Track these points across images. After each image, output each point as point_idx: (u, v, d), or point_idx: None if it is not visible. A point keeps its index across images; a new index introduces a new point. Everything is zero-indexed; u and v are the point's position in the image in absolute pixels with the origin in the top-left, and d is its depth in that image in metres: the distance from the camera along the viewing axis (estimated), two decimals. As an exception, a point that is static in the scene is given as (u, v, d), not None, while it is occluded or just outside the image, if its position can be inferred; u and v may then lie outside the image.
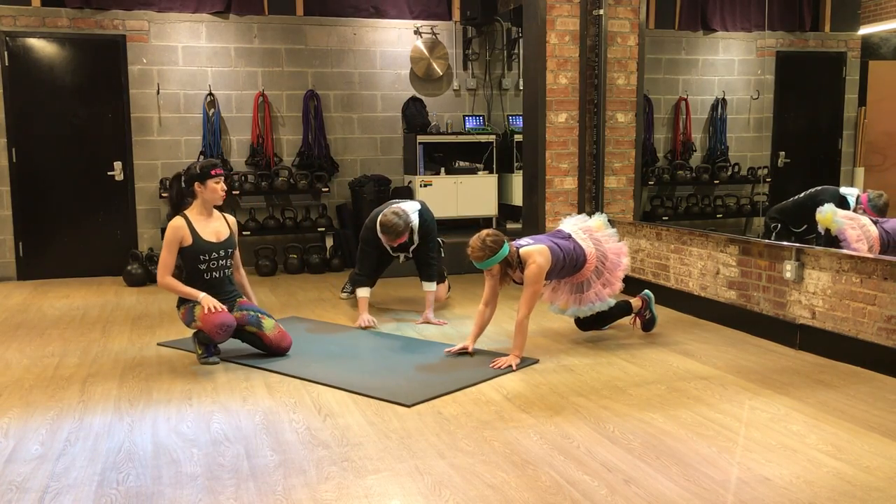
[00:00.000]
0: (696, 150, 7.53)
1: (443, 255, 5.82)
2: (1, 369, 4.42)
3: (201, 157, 7.72)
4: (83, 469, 3.02)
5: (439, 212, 7.95)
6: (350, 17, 8.11)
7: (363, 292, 5.46)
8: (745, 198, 7.34)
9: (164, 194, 7.52)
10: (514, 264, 4.31)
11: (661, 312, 5.66)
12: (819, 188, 5.38)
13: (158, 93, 7.66)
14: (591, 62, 6.44)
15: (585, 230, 4.68)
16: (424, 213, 5.54)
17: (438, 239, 5.72)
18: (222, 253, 4.57)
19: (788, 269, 4.67)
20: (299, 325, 5.33)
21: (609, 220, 4.92)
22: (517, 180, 7.84)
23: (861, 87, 6.12)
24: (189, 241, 4.50)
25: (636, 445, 3.18)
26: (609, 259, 4.64)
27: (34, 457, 3.14)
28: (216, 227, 4.61)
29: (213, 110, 7.76)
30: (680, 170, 7.44)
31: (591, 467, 2.98)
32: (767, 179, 6.66)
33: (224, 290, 4.58)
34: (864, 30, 5.96)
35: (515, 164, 8.13)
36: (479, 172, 8.17)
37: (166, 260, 4.50)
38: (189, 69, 7.72)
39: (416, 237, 5.46)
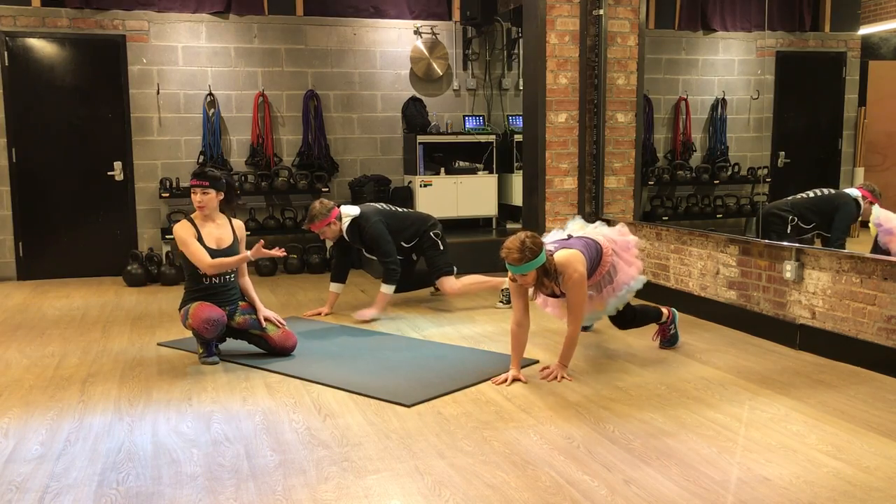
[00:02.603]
0: (696, 150, 7.52)
1: (441, 248, 5.84)
2: (1, 369, 4.42)
3: (201, 157, 7.73)
4: (83, 469, 3.02)
5: (439, 212, 7.96)
6: (350, 17, 8.11)
7: (331, 287, 5.78)
8: (745, 198, 7.33)
9: (164, 194, 7.53)
10: (552, 272, 3.93)
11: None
12: (835, 192, 5.38)
13: (158, 93, 7.66)
14: (591, 62, 6.44)
15: (576, 231, 4.47)
16: (363, 220, 5.54)
17: (432, 233, 5.82)
18: None
19: (788, 269, 4.67)
20: (299, 325, 5.33)
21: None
22: (517, 180, 7.84)
23: (861, 87, 6.11)
24: None
25: (636, 445, 3.18)
26: (617, 241, 4.40)
27: (34, 457, 3.15)
28: (219, 233, 4.60)
29: (213, 110, 7.76)
30: (680, 170, 7.44)
31: (591, 467, 2.98)
32: (767, 179, 6.65)
33: (225, 295, 4.57)
34: (864, 30, 5.95)
35: (515, 164, 8.13)
36: (479, 172, 8.17)
37: (196, 252, 4.47)
38: (189, 69, 7.72)
39: (345, 236, 5.59)
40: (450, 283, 5.84)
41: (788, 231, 5.24)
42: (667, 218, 7.33)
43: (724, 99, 7.38)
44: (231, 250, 4.60)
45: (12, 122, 7.33)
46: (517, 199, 7.78)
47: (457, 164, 8.14)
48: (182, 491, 2.82)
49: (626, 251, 4.40)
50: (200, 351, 4.49)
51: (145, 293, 6.80)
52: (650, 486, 2.80)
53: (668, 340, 4.71)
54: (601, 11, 6.32)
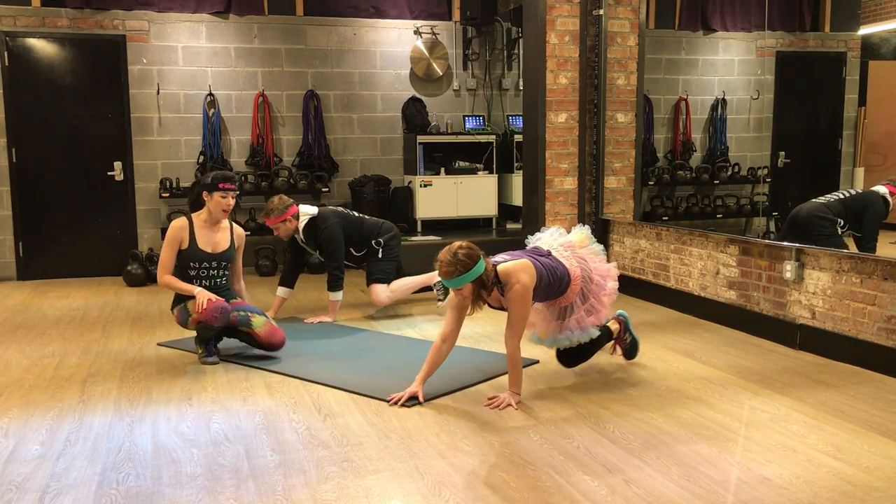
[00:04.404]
0: (696, 150, 7.53)
1: (379, 257, 5.61)
2: (1, 369, 4.42)
3: (201, 157, 7.73)
4: (83, 469, 3.02)
5: (439, 212, 8.01)
6: (350, 17, 8.11)
7: (278, 291, 5.59)
8: (745, 198, 7.33)
9: (164, 194, 7.53)
10: (490, 284, 3.61)
11: (662, 312, 5.67)
12: (861, 192, 5.30)
13: (158, 93, 7.66)
14: (591, 62, 6.44)
15: (567, 246, 4.00)
16: (320, 221, 5.44)
17: (373, 241, 5.61)
18: (215, 264, 4.58)
19: (788, 269, 4.67)
20: (299, 325, 5.33)
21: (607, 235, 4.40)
22: (517, 180, 7.84)
23: (861, 87, 6.12)
24: (185, 244, 4.52)
25: (636, 445, 3.18)
26: (594, 281, 3.94)
27: (34, 457, 3.15)
28: (217, 237, 4.60)
29: (213, 110, 7.76)
30: (680, 170, 7.44)
31: (591, 467, 2.98)
32: (767, 179, 6.66)
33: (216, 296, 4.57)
34: (864, 30, 5.96)
35: (515, 164, 8.13)
36: (479, 172, 8.17)
37: (166, 258, 4.54)
38: (189, 69, 7.72)
39: (301, 235, 5.47)
40: (376, 291, 5.58)
41: (838, 234, 5.04)
42: (667, 218, 7.33)
43: (724, 99, 7.39)
44: (226, 255, 4.60)
45: (12, 122, 7.33)
46: (517, 199, 7.78)
47: (457, 164, 8.15)
48: (182, 491, 2.82)
49: (597, 297, 3.95)
50: (200, 351, 4.49)
51: (145, 293, 6.80)
52: (650, 486, 2.80)
53: (629, 350, 4.33)
54: (601, 11, 6.32)
